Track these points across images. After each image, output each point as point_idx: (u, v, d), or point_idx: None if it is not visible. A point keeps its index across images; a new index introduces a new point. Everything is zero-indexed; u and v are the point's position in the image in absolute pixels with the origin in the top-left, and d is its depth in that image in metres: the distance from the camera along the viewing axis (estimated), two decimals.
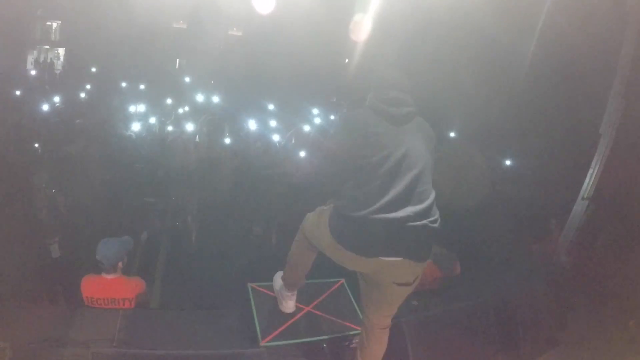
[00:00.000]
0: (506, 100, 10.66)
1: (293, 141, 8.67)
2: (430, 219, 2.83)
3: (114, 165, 7.59)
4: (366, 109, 3.03)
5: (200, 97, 11.34)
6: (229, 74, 18.70)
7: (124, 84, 13.32)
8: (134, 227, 6.81)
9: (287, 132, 9.00)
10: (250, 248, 7.23)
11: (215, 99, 11.23)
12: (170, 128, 8.83)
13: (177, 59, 22.50)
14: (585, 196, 6.27)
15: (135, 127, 8.54)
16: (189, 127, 8.37)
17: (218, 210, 7.73)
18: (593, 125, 6.19)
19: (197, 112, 10.21)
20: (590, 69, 6.22)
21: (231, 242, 7.13)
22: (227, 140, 8.28)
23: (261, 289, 4.22)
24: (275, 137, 8.62)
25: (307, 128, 9.42)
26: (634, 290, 6.51)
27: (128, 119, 8.99)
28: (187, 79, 16.98)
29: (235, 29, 21.38)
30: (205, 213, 7.81)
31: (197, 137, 8.50)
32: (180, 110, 10.06)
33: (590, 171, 6.21)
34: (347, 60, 18.50)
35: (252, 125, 9.09)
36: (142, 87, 13.92)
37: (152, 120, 9.25)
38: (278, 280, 3.95)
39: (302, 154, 8.32)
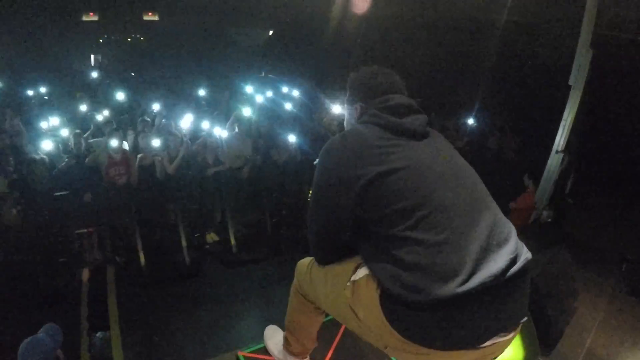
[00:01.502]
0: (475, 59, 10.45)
1: (236, 130, 7.86)
2: (524, 249, 1.84)
3: (30, 201, 6.39)
4: (369, 128, 1.99)
5: (121, 96, 9.82)
6: (151, 63, 17.49)
7: (30, 92, 11.17)
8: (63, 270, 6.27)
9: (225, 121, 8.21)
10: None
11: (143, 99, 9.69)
12: (90, 140, 7.58)
13: (92, 55, 20.15)
14: (559, 149, 6.27)
15: (47, 145, 7.18)
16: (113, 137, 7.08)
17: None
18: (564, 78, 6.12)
19: (122, 114, 9.06)
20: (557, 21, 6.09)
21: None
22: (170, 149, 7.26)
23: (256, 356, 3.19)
24: (218, 132, 7.72)
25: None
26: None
27: (36, 137, 7.61)
28: (102, 77, 15.20)
29: (150, 13, 19.60)
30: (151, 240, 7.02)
31: (129, 144, 7.44)
32: (100, 117, 8.66)
33: (562, 123, 6.19)
34: (271, 32, 18.37)
35: (187, 121, 8.11)
36: (48, 94, 11.80)
37: (66, 132, 7.82)
38: (275, 342, 3.03)
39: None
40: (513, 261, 1.72)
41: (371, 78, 2.19)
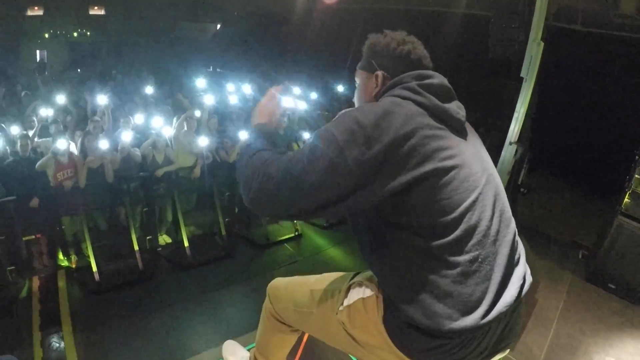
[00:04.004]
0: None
1: (185, 128, 7.56)
2: (528, 272, 1.76)
3: None
4: (410, 105, 1.59)
5: (62, 99, 9.15)
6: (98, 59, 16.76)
7: None
8: None
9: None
10: None
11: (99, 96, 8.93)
12: (37, 140, 7.10)
13: (37, 51, 19.08)
14: (513, 140, 6.32)
15: None
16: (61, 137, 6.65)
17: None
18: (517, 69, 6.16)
19: (68, 112, 8.50)
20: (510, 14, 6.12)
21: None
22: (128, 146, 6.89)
23: None
24: (167, 131, 7.38)
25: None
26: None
27: None
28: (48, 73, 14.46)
29: (96, 7, 18.84)
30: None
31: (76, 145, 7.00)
32: (45, 114, 8.05)
33: (515, 115, 6.23)
34: (218, 27, 17.95)
35: (139, 119, 7.74)
36: None
37: (15, 130, 7.22)
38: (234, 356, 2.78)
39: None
40: (522, 287, 1.67)
41: (399, 44, 1.77)
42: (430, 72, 1.73)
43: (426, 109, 1.59)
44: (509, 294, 1.59)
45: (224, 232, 7.36)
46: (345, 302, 1.83)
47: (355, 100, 1.92)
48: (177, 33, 19.07)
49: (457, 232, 1.50)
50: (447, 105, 1.64)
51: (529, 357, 4.22)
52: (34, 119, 7.59)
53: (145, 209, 7.22)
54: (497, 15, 6.17)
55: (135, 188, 7.13)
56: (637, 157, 5.47)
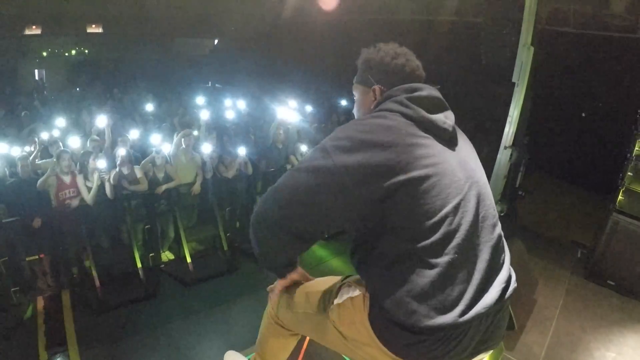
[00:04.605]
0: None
1: (183, 145, 7.61)
2: (512, 277, 1.85)
3: None
4: (394, 119, 1.72)
5: (61, 122, 9.17)
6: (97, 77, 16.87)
7: None
8: None
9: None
10: None
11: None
12: (38, 161, 7.14)
13: (36, 70, 19.31)
14: (507, 145, 6.38)
15: None
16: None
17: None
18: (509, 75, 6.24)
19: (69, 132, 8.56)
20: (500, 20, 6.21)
21: None
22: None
23: None
24: (166, 148, 7.45)
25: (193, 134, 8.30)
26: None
27: None
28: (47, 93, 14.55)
29: (94, 25, 19.01)
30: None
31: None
32: (46, 136, 8.12)
33: (509, 119, 6.30)
34: (216, 42, 18.07)
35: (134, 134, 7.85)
36: None
37: (16, 152, 7.23)
38: None
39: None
40: (504, 290, 1.75)
41: (393, 58, 1.90)
42: (420, 85, 1.86)
43: (413, 120, 1.72)
44: (490, 297, 1.68)
45: (226, 247, 7.42)
46: (336, 301, 1.93)
47: (355, 112, 2.07)
48: (175, 49, 19.16)
49: (437, 236, 1.61)
50: (434, 116, 1.76)
51: (529, 356, 4.26)
52: (36, 139, 7.65)
53: (147, 226, 7.25)
54: (488, 21, 6.26)
55: (136, 206, 7.16)
56: (628, 155, 5.54)
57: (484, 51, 6.41)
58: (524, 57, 5.98)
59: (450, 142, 1.80)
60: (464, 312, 1.61)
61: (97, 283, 6.33)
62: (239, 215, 8.04)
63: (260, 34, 16.64)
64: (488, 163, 6.75)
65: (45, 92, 15.34)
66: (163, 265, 7.31)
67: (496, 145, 6.50)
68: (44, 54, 19.53)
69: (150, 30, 17.89)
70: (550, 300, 5.14)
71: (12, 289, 6.07)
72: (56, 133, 8.36)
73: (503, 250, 1.84)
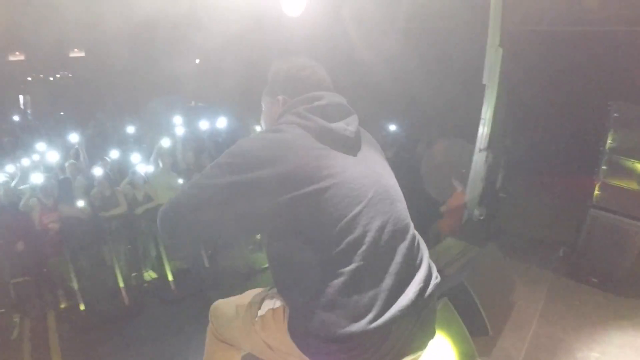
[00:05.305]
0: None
1: (160, 165, 7.61)
2: (434, 274, 1.85)
3: None
4: (293, 132, 1.72)
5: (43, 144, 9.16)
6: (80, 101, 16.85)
7: None
8: None
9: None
10: None
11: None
12: (21, 187, 7.15)
13: (20, 96, 19.38)
14: (482, 147, 6.35)
15: None
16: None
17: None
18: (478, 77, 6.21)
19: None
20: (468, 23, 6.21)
21: None
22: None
23: None
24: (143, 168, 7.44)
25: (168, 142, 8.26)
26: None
27: None
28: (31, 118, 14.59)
29: (76, 49, 19.12)
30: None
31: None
32: (27, 162, 8.13)
33: (482, 122, 6.27)
34: (197, 61, 18.06)
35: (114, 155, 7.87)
36: None
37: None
38: None
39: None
40: (423, 290, 1.74)
41: (299, 70, 1.92)
42: (321, 94, 1.85)
43: (311, 131, 1.72)
44: (406, 298, 1.67)
45: (207, 264, 7.41)
46: (259, 313, 1.91)
47: (261, 123, 2.08)
48: (157, 70, 19.22)
49: (342, 246, 1.61)
50: (333, 125, 1.76)
51: None
52: (17, 165, 7.69)
53: (128, 247, 7.28)
54: (456, 25, 6.27)
55: (117, 227, 7.17)
56: (601, 148, 5.50)
57: (456, 55, 6.42)
58: (493, 59, 5.97)
59: (352, 148, 1.80)
60: (375, 319, 1.60)
61: (82, 303, 6.40)
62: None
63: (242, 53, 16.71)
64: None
65: (29, 117, 15.33)
66: (146, 284, 7.32)
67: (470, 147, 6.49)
68: (29, 79, 19.67)
69: (132, 53, 17.92)
70: (530, 302, 5.03)
71: None
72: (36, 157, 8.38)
73: (419, 251, 1.83)
